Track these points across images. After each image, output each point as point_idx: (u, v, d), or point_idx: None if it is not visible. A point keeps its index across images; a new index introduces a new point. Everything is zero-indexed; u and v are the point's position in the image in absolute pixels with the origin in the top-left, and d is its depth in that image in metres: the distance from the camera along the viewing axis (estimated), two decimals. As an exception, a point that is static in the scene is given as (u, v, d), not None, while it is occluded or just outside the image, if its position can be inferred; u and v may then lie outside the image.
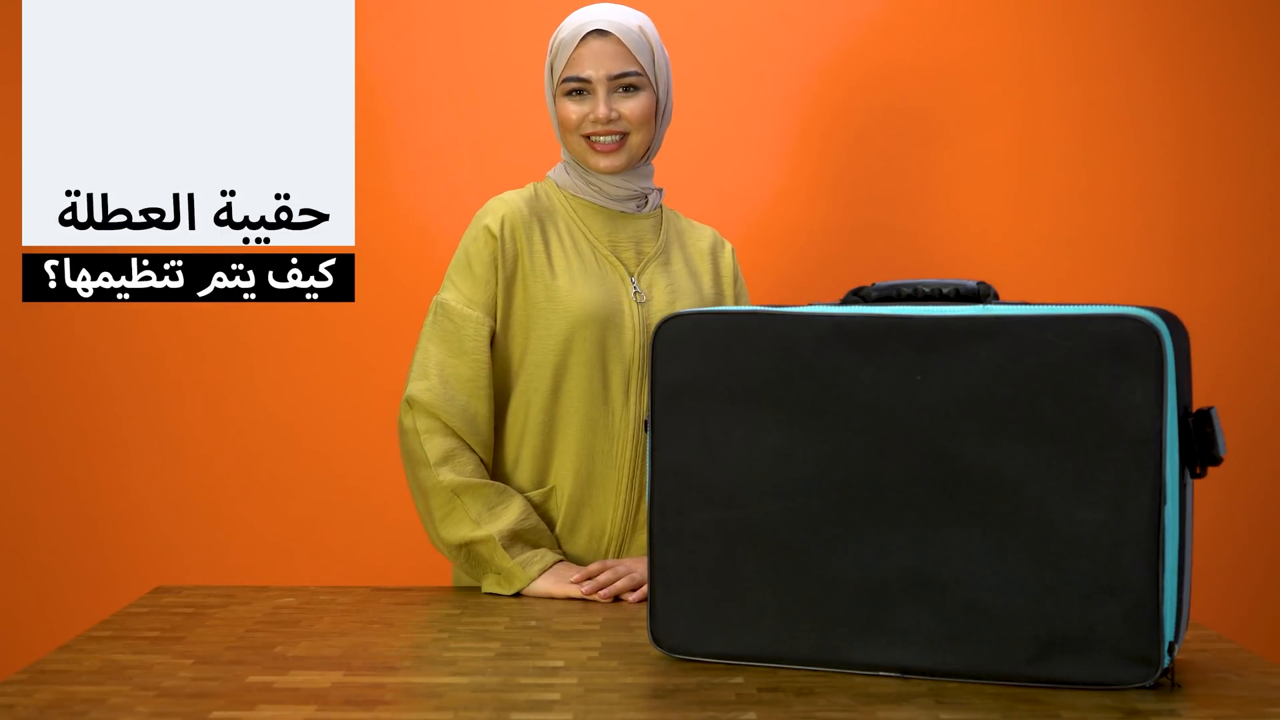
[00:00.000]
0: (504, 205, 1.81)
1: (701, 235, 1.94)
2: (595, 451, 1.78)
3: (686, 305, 1.81)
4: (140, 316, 2.59)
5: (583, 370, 1.76)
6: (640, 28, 1.81)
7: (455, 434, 1.74)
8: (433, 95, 2.60)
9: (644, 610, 1.54)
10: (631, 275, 1.81)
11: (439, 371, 1.75)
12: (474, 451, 1.76)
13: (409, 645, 1.41)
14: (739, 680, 1.25)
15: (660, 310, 1.79)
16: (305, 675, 1.27)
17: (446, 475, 1.71)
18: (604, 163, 1.80)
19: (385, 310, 2.55)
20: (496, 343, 1.79)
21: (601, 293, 1.78)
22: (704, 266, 1.90)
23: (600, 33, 1.78)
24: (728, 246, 1.95)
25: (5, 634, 2.61)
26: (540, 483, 1.80)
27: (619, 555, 1.80)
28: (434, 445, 1.72)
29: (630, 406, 1.78)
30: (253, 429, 2.62)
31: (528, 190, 1.86)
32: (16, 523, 2.63)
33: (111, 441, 2.63)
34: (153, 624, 1.49)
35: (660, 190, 1.92)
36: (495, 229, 1.78)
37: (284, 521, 2.62)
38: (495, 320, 1.78)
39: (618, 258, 1.82)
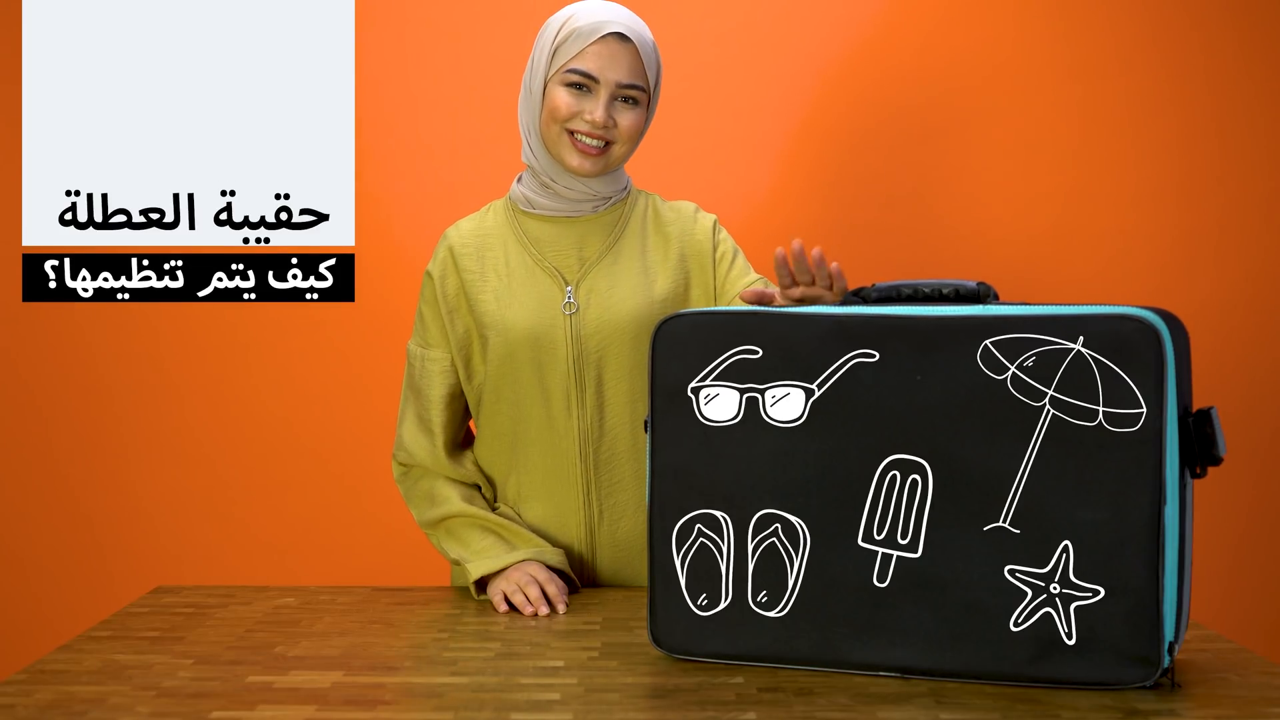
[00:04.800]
0: (444, 241, 1.81)
1: (671, 220, 1.82)
2: (548, 470, 1.75)
3: (626, 311, 1.73)
4: (140, 316, 2.59)
5: (526, 390, 1.74)
6: (653, 42, 1.76)
7: (430, 477, 1.80)
8: (432, 95, 2.60)
9: (644, 610, 1.54)
10: (569, 284, 1.75)
11: (409, 427, 1.80)
12: (455, 483, 1.79)
13: (409, 645, 1.41)
14: (739, 680, 1.25)
15: (594, 320, 1.73)
16: (305, 675, 1.27)
17: (427, 515, 1.79)
18: (579, 162, 1.71)
19: (385, 310, 2.55)
20: (461, 373, 1.79)
21: (530, 310, 1.73)
22: (665, 259, 1.79)
23: (621, 37, 1.70)
24: (702, 223, 1.82)
25: (5, 634, 2.62)
26: (517, 504, 1.79)
27: (586, 573, 1.77)
28: (416, 500, 1.81)
29: (573, 421, 1.73)
30: (253, 429, 2.62)
31: (479, 213, 1.84)
32: (16, 523, 2.63)
33: (111, 441, 2.63)
34: (153, 624, 1.49)
35: (627, 181, 1.84)
36: (434, 271, 1.79)
37: (284, 521, 2.62)
38: (453, 347, 1.79)
39: (555, 268, 1.76)
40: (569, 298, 1.74)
